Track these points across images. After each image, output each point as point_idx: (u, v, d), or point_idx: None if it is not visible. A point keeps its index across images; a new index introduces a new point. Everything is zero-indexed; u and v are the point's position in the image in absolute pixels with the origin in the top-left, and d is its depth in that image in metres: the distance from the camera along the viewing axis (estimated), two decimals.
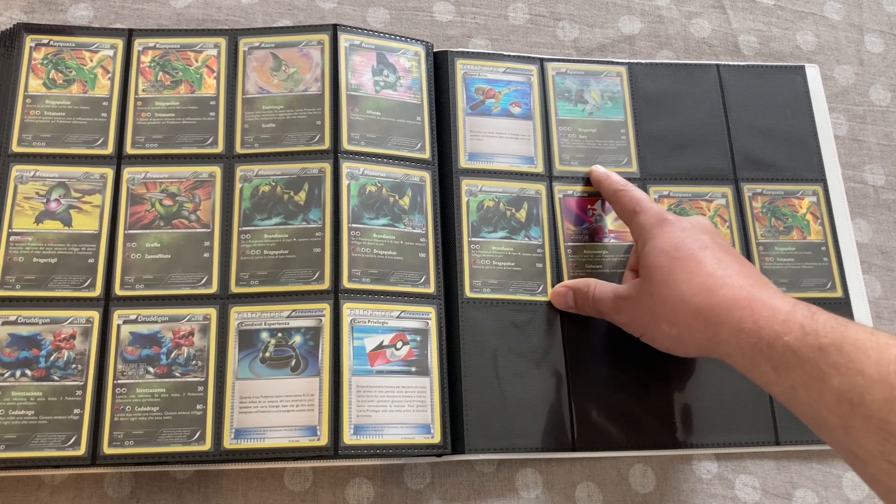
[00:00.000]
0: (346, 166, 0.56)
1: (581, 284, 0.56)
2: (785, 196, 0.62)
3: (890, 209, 0.65)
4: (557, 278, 0.58)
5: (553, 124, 0.62)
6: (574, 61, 0.65)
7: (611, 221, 0.60)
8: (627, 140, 0.62)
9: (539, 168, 0.60)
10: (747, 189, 0.62)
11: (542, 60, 0.64)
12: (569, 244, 0.59)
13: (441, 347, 0.54)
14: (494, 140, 0.61)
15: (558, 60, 0.64)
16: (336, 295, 0.53)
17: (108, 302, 0.53)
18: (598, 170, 0.60)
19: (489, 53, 0.64)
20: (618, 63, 0.65)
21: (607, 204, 0.60)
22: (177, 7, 0.64)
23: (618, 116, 0.63)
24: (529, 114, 0.62)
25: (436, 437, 0.52)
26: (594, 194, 0.60)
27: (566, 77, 0.64)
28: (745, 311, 0.44)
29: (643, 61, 0.66)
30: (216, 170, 0.57)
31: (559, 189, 0.60)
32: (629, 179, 0.61)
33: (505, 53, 0.64)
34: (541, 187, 0.60)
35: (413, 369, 0.53)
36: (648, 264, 0.50)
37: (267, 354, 0.52)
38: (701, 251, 0.49)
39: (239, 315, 0.53)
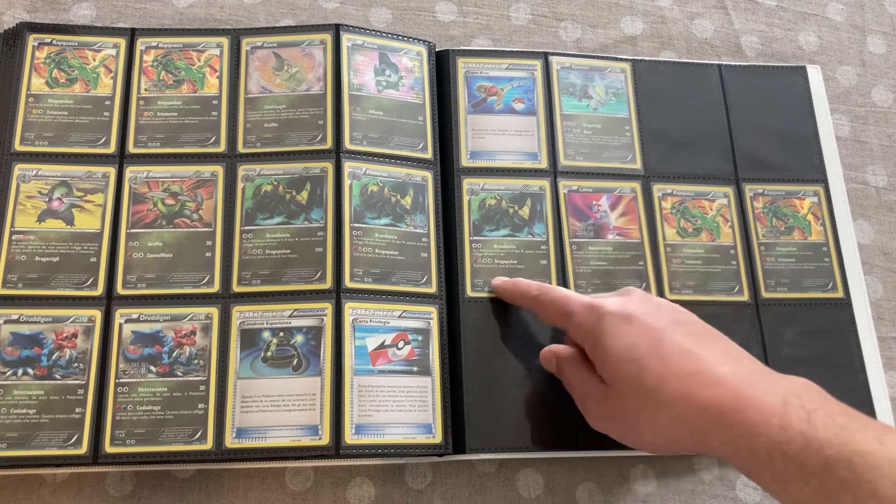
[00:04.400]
0: (349, 166, 0.56)
1: (561, 355, 0.52)
2: (786, 196, 0.62)
3: (892, 210, 0.65)
4: (562, 275, 0.57)
5: (558, 119, 0.62)
6: (578, 56, 0.65)
7: (615, 218, 0.60)
8: (631, 137, 0.62)
9: (543, 164, 0.60)
10: (748, 189, 0.62)
11: (546, 55, 0.64)
12: (573, 240, 0.59)
13: (443, 347, 0.54)
14: (497, 137, 0.61)
15: (562, 55, 0.64)
16: (338, 294, 0.53)
17: (110, 301, 0.53)
18: (500, 281, 0.56)
19: (491, 50, 0.64)
20: (621, 59, 0.65)
21: (612, 200, 0.60)
22: (179, 6, 0.64)
23: (622, 113, 0.63)
24: (533, 109, 0.62)
25: (437, 437, 0.52)
26: (600, 190, 0.60)
27: (570, 72, 0.64)
28: (733, 415, 0.40)
29: (646, 58, 0.66)
30: (218, 169, 0.57)
31: (564, 185, 0.60)
32: (633, 177, 0.61)
33: (507, 49, 0.64)
34: (545, 183, 0.60)
35: (415, 369, 0.53)
36: (609, 374, 0.46)
37: (269, 354, 0.52)
38: (658, 345, 0.44)
39: (241, 314, 0.53)
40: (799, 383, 0.41)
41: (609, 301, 0.48)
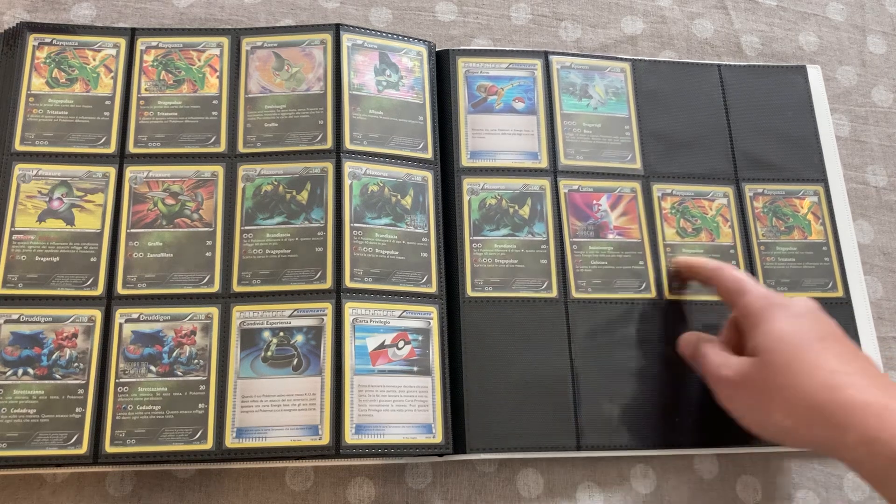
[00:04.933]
0: (349, 166, 0.56)
1: (693, 339, 0.54)
2: (786, 196, 0.62)
3: (892, 210, 0.65)
4: (562, 274, 0.57)
5: (558, 118, 0.62)
6: (578, 55, 0.65)
7: (616, 217, 0.60)
8: (631, 136, 0.62)
9: (543, 163, 0.60)
10: (748, 189, 0.62)
11: (546, 54, 0.64)
12: (574, 240, 0.58)
13: (443, 347, 0.54)
14: (497, 137, 0.61)
15: (562, 54, 0.64)
16: (338, 294, 0.53)
17: (110, 301, 0.53)
18: (683, 259, 0.58)
19: (491, 50, 0.64)
20: (621, 59, 0.65)
21: (612, 199, 0.60)
22: (179, 6, 0.64)
23: (622, 112, 0.63)
24: (533, 108, 0.62)
25: (437, 437, 0.52)
26: (600, 189, 0.60)
27: (571, 71, 0.64)
28: (877, 419, 0.42)
29: (646, 58, 0.66)
30: (218, 169, 0.57)
31: (564, 184, 0.60)
32: (633, 176, 0.61)
33: (508, 49, 0.64)
34: (545, 182, 0.60)
35: (415, 369, 0.53)
36: (764, 348, 0.48)
37: (269, 353, 0.52)
38: (820, 343, 0.47)
39: (241, 314, 0.53)
40: None
41: (785, 299, 0.50)
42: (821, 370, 0.45)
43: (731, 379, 0.49)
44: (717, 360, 0.51)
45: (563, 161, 0.61)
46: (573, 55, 0.64)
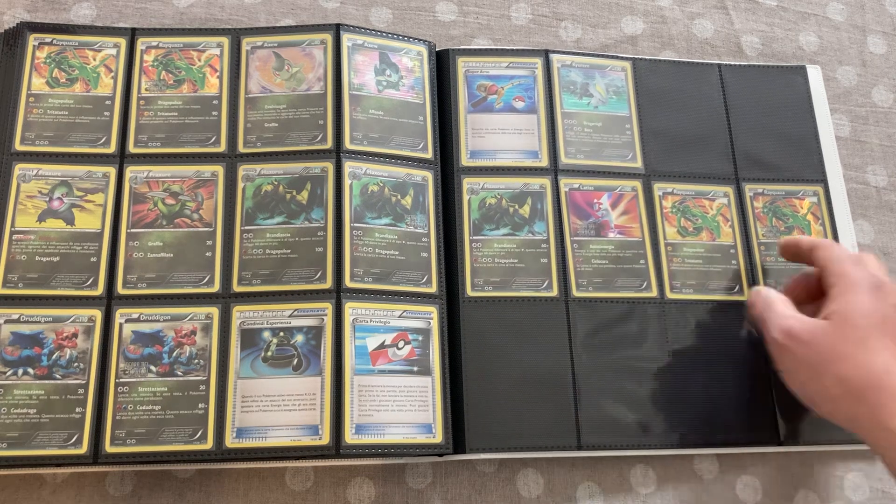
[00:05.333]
0: (349, 166, 0.56)
1: (764, 293, 0.54)
2: (786, 196, 0.62)
3: (892, 210, 0.65)
4: (563, 273, 0.57)
5: (559, 117, 0.62)
6: (578, 54, 0.65)
7: (616, 216, 0.60)
8: (632, 135, 0.62)
9: (544, 162, 0.60)
10: (748, 189, 0.62)
11: (546, 52, 0.64)
12: (574, 239, 0.58)
13: (443, 347, 0.54)
14: (497, 136, 0.61)
15: (563, 53, 0.64)
16: (338, 294, 0.53)
17: (110, 300, 0.53)
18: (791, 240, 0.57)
19: (491, 49, 0.64)
20: (622, 58, 0.65)
21: (613, 198, 0.60)
22: (179, 6, 0.64)
23: (622, 111, 0.63)
24: (534, 107, 0.62)
25: (437, 437, 0.52)
26: (601, 188, 0.60)
27: (571, 70, 0.64)
28: None
29: (647, 57, 0.66)
30: (219, 169, 0.57)
31: (565, 183, 0.60)
32: (634, 175, 0.61)
33: (508, 48, 0.64)
34: (546, 181, 0.60)
35: (415, 369, 0.53)
36: (843, 316, 0.49)
37: (269, 353, 0.52)
38: (894, 325, 0.48)
39: (241, 314, 0.53)
40: None
41: (887, 281, 0.50)
42: (888, 352, 0.46)
43: (796, 332, 0.50)
44: (788, 311, 0.52)
45: (564, 160, 0.61)
46: (574, 54, 0.65)
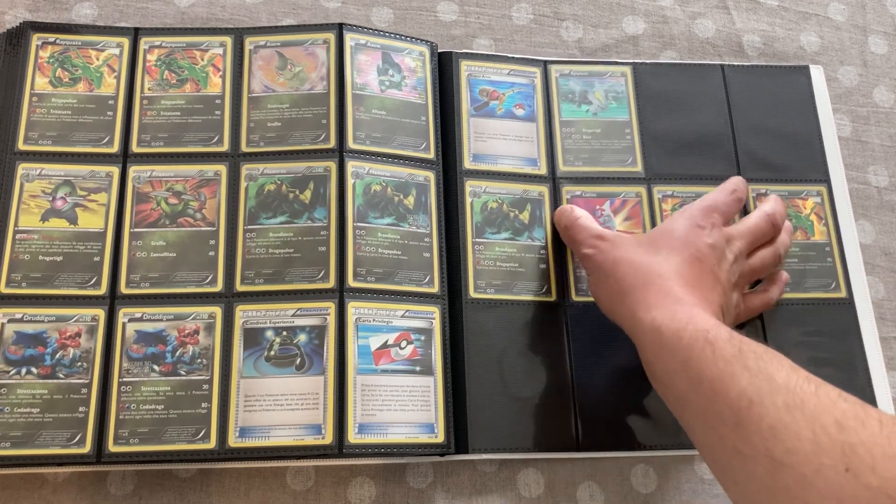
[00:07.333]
0: (352, 165, 0.57)
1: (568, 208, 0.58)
2: (789, 197, 0.62)
3: (893, 210, 0.65)
4: (561, 279, 0.58)
5: (556, 126, 0.62)
6: (578, 62, 0.65)
7: (620, 222, 0.60)
8: (632, 140, 0.62)
9: (542, 170, 0.61)
10: (752, 189, 0.62)
11: (545, 63, 0.64)
12: None
13: (445, 347, 0.55)
14: (498, 142, 0.61)
15: (562, 62, 0.64)
16: (341, 294, 0.53)
17: (113, 300, 0.53)
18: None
19: (493, 55, 0.64)
20: (622, 63, 0.65)
21: (616, 204, 0.60)
22: (181, 6, 0.64)
23: (622, 116, 0.63)
24: (533, 116, 0.62)
25: (439, 437, 0.52)
26: (603, 194, 0.60)
27: (570, 79, 0.64)
28: (686, 308, 0.46)
29: (647, 61, 0.66)
30: (222, 168, 0.57)
31: (567, 190, 0.60)
32: (634, 179, 0.61)
33: (509, 55, 0.64)
34: (544, 189, 0.60)
35: (417, 369, 0.53)
36: (654, 231, 0.53)
37: (272, 353, 0.52)
38: (687, 249, 0.50)
39: (244, 314, 0.53)
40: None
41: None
42: (669, 264, 0.49)
43: (606, 234, 0.54)
44: (595, 223, 0.56)
45: (562, 168, 0.61)
46: (572, 62, 0.64)
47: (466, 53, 0.63)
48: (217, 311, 0.53)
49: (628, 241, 0.53)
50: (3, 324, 0.52)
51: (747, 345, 0.42)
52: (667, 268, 0.49)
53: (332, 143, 0.57)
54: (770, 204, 0.56)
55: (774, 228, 0.55)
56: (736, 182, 0.55)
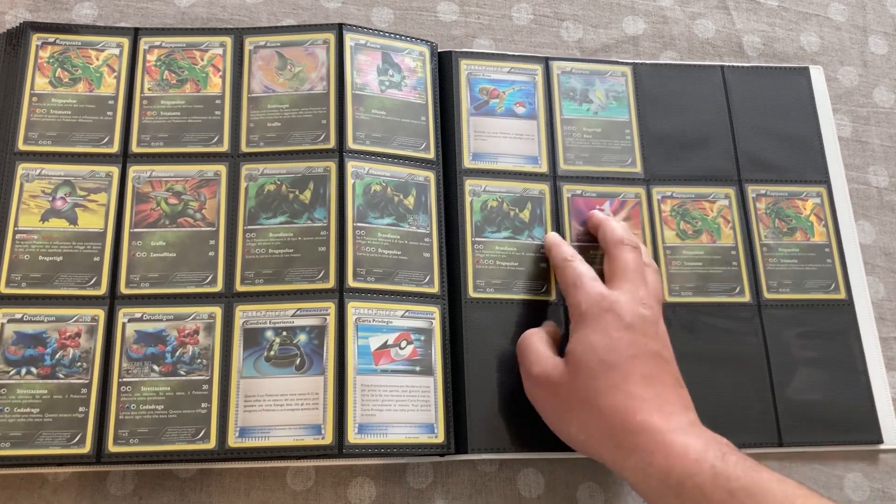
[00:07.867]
0: (352, 165, 0.57)
1: (532, 330, 0.54)
2: (789, 197, 0.62)
3: (893, 211, 0.65)
4: None
5: (558, 123, 0.62)
6: (579, 60, 0.65)
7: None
8: (632, 140, 0.62)
9: (543, 168, 0.61)
10: (751, 190, 0.62)
11: (546, 60, 0.64)
12: (575, 244, 0.58)
13: (445, 347, 0.55)
14: (498, 140, 0.61)
15: (563, 60, 0.64)
16: (341, 294, 0.53)
17: (113, 300, 0.53)
18: (551, 237, 0.57)
19: (493, 53, 0.64)
20: (622, 63, 0.65)
21: (615, 204, 0.60)
22: (181, 6, 0.64)
23: (622, 116, 0.63)
24: (534, 113, 0.62)
25: (439, 437, 0.52)
26: (603, 194, 0.61)
27: (571, 76, 0.64)
28: (658, 445, 0.44)
29: (647, 62, 0.66)
30: (221, 168, 0.57)
31: (567, 188, 0.60)
32: (633, 179, 0.61)
33: (509, 53, 0.64)
34: (544, 187, 0.60)
35: (417, 369, 0.53)
36: (576, 358, 0.48)
37: (271, 353, 0.52)
38: (630, 362, 0.47)
39: (244, 314, 0.53)
40: (724, 440, 0.46)
41: (622, 299, 0.49)
42: (619, 392, 0.46)
43: (537, 377, 0.50)
44: (532, 356, 0.51)
45: (563, 166, 0.61)
46: (574, 60, 0.64)
47: (466, 52, 0.63)
48: (217, 311, 0.53)
49: (563, 377, 0.49)
50: (2, 324, 0.52)
51: (735, 481, 0.42)
52: (619, 399, 0.47)
53: (332, 144, 0.57)
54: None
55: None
56: (558, 252, 0.55)
